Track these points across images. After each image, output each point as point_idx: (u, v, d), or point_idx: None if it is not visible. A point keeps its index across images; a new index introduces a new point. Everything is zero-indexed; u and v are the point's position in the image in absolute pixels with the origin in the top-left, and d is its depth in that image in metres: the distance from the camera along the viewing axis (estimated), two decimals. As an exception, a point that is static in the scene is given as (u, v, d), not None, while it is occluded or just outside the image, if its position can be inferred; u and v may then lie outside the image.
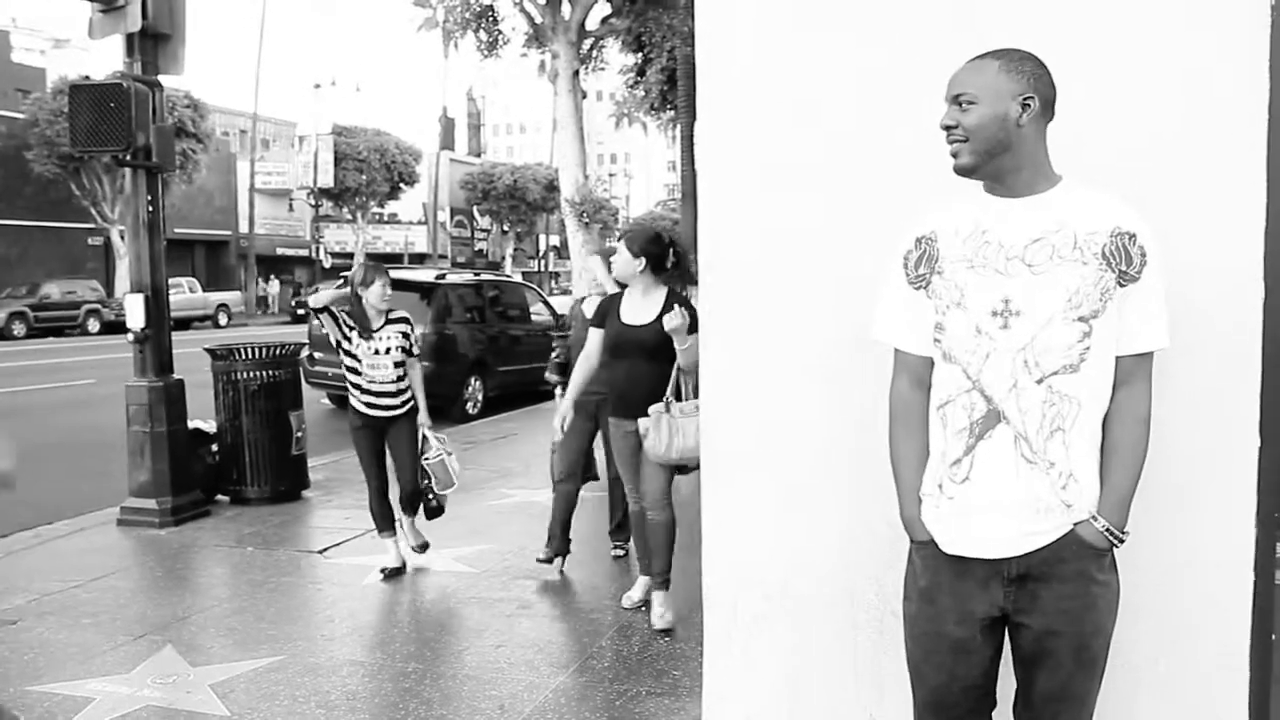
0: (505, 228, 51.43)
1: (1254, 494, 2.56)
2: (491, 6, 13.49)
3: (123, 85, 6.61)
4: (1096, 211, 2.11)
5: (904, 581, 2.36)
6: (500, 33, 13.60)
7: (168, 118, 7.17)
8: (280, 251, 45.06)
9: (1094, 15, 2.55)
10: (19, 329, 28.73)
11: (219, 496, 7.50)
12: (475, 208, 51.74)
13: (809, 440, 2.84)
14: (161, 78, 6.94)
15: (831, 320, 2.79)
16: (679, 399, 4.67)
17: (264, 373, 7.57)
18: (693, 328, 4.43)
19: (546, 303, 15.72)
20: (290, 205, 45.60)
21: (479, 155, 55.46)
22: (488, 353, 13.40)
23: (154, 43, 6.83)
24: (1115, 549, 2.15)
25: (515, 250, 53.59)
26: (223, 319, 35.23)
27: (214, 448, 7.55)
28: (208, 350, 7.77)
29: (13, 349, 24.18)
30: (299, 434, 7.70)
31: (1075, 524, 2.12)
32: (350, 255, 42.71)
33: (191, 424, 7.38)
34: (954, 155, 2.14)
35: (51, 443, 10.47)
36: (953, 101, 2.14)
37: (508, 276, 20.37)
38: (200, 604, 5.28)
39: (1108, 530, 2.12)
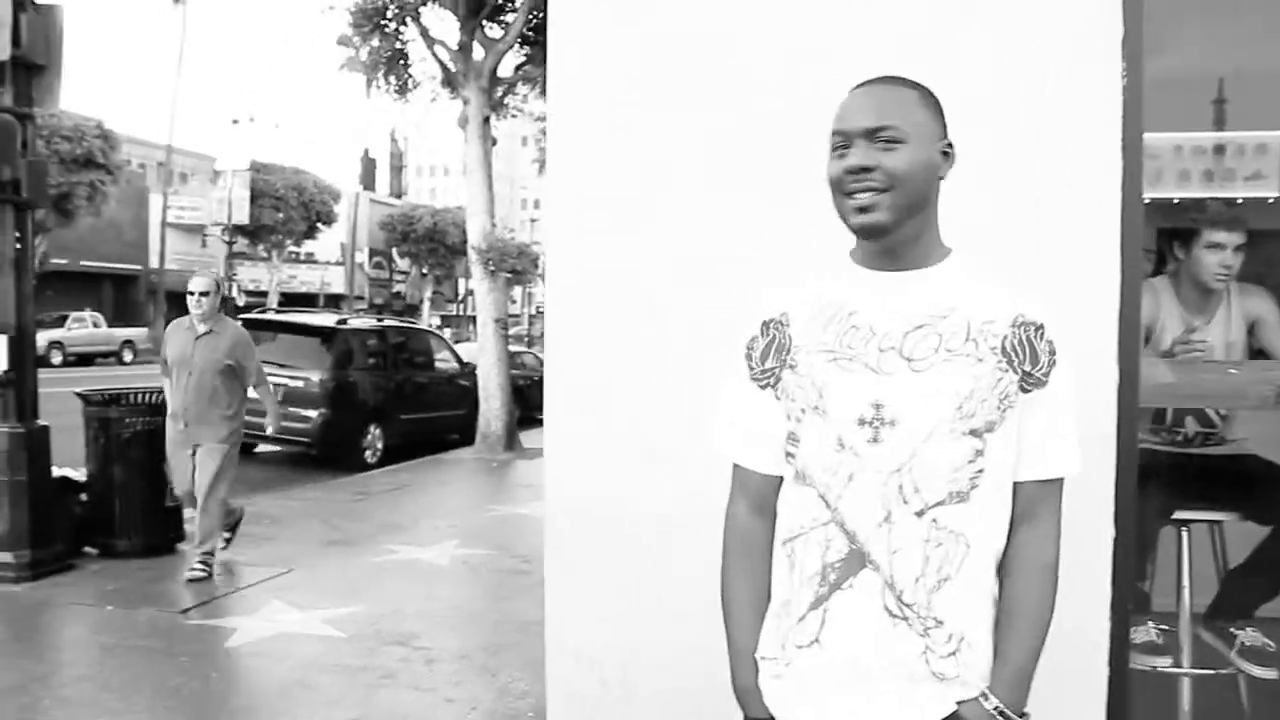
0: (424, 270, 50.94)
1: (1109, 586, 2.49)
2: (404, 51, 13.37)
3: (-11, 116, 6.31)
4: (994, 295, 1.67)
5: None
6: (410, 76, 13.49)
7: (41, 150, 6.87)
8: (192, 288, 44.03)
9: (947, 83, 2.50)
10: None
11: (87, 549, 7.08)
12: (394, 249, 51.25)
13: (652, 519, 2.71)
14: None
15: (671, 395, 2.68)
16: None
17: (139, 420, 7.21)
18: None
19: (452, 350, 15.60)
20: (204, 241, 44.64)
21: (400, 196, 54.99)
22: (389, 400, 13.21)
23: (27, 73, 6.54)
24: None
25: (434, 293, 53.11)
26: (128, 355, 34.01)
27: (83, 497, 7.16)
28: (79, 395, 7.38)
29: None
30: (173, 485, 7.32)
31: (959, 703, 1.63)
32: (265, 294, 41.90)
33: (60, 471, 7.00)
34: (864, 209, 1.62)
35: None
36: (866, 137, 1.62)
37: (412, 323, 20.19)
38: (39, 670, 4.91)
39: (999, 712, 1.63)
